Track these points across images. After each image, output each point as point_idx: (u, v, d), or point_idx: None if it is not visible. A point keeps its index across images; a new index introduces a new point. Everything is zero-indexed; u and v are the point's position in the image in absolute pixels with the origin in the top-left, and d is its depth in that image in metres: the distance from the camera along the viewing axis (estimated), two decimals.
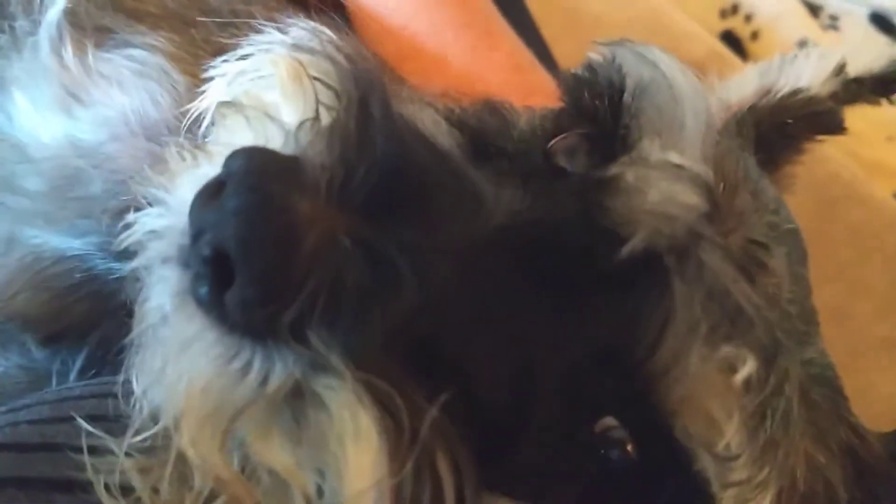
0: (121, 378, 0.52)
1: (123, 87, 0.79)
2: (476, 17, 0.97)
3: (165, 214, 0.48)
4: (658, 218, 0.49)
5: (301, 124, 0.48)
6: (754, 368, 0.47)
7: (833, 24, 1.79)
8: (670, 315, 0.48)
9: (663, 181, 0.52)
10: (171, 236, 0.47)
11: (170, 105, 0.79)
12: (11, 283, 0.78)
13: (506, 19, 1.05)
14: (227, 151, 0.46)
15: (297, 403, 0.44)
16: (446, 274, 0.45)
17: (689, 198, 0.50)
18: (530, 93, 0.92)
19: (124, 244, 0.50)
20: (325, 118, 0.49)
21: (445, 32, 0.93)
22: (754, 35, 1.74)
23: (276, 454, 0.43)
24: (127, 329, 0.73)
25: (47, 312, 0.78)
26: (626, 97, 0.57)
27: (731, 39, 1.70)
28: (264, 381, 0.43)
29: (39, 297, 0.78)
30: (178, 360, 0.44)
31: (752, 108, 0.73)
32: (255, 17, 0.84)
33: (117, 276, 0.76)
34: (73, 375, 0.76)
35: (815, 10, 1.80)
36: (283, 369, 0.43)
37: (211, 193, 0.44)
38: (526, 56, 1.00)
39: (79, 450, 0.52)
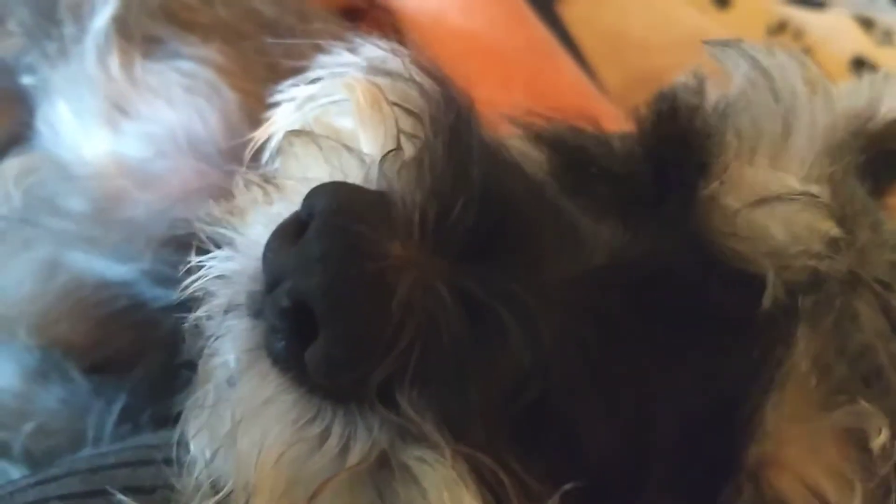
0: (164, 439, 0.48)
1: (171, 101, 0.76)
2: (536, 41, 0.96)
3: (234, 257, 0.43)
4: (793, 257, 0.43)
5: (384, 156, 0.42)
6: (888, 437, 0.41)
7: (887, 38, 1.73)
8: (786, 371, 0.42)
9: (785, 212, 0.46)
10: (240, 281, 0.42)
11: (218, 122, 0.76)
12: (54, 309, 0.75)
13: None
14: (301, 186, 0.41)
15: (381, 476, 0.38)
16: (556, 326, 0.39)
17: (825, 227, 0.44)
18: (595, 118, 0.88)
19: (189, 290, 0.45)
20: (408, 147, 0.43)
21: (508, 54, 0.90)
22: (805, 52, 1.68)
23: None
24: (172, 364, 0.70)
25: (90, 341, 0.75)
26: (702, 117, 0.52)
27: None
28: (345, 449, 0.38)
29: (82, 324, 0.75)
30: (250, 424, 0.39)
31: (857, 133, 0.66)
32: (312, 34, 0.81)
33: (163, 304, 0.72)
34: (114, 418, 0.73)
35: (868, 25, 1.73)
36: (366, 437, 0.38)
37: (289, 235, 0.39)
38: (583, 80, 0.99)
39: None
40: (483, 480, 0.37)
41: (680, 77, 0.57)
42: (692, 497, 0.44)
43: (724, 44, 0.54)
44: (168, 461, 0.49)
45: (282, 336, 0.38)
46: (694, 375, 0.43)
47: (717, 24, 1.61)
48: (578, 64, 1.09)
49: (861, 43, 1.67)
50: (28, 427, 0.72)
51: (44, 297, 0.75)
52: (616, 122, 0.91)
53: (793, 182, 0.47)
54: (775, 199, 0.46)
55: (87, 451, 0.70)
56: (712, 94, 0.54)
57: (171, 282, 0.71)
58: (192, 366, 0.50)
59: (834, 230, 0.45)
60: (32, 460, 0.72)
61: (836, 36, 1.67)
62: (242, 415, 0.39)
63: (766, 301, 0.42)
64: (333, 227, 0.37)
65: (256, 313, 0.41)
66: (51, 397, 0.75)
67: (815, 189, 0.47)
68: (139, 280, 0.73)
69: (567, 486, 0.37)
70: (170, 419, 0.67)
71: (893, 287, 0.49)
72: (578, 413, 0.40)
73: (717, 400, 0.44)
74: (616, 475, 0.41)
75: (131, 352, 0.74)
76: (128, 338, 0.74)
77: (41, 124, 0.77)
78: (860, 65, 1.62)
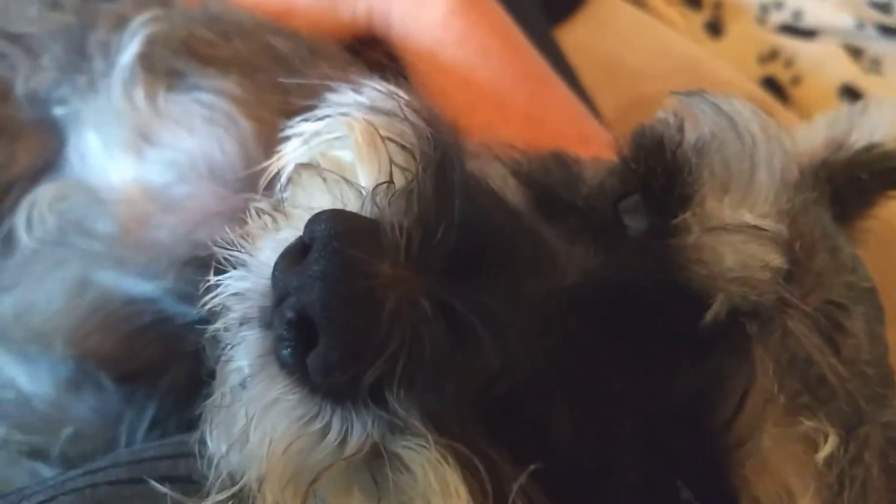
0: (195, 437, 0.53)
1: (192, 130, 0.80)
2: (531, 69, 0.99)
3: (247, 276, 0.49)
4: (737, 282, 0.49)
5: (377, 187, 0.48)
6: (836, 444, 0.46)
7: (875, 67, 1.73)
8: (751, 385, 0.48)
9: (736, 242, 0.51)
10: (252, 298, 0.48)
11: (235, 150, 0.80)
12: (84, 324, 0.80)
13: None
14: (306, 214, 0.47)
15: (375, 464, 0.44)
16: (524, 335, 0.45)
17: (770, 259, 0.49)
18: (585, 141, 0.92)
19: (208, 306, 0.51)
20: (400, 179, 0.49)
21: (504, 83, 0.94)
22: (795, 80, 1.70)
23: None
24: (196, 375, 0.75)
25: (119, 353, 0.79)
26: (683, 153, 0.57)
27: (772, 85, 1.66)
28: (343, 442, 0.44)
29: (111, 337, 0.80)
30: (261, 421, 0.45)
31: (826, 163, 0.72)
32: (321, 70, 0.86)
33: (187, 319, 0.77)
34: (145, 425, 0.77)
35: (856, 54, 1.74)
36: (361, 431, 0.44)
37: (294, 257, 0.45)
38: (578, 105, 1.02)
39: None
40: (462, 464, 0.42)
41: (660, 114, 0.63)
42: (654, 489, 0.50)
43: (690, 94, 0.60)
44: (199, 454, 0.54)
45: (287, 344, 0.44)
46: (651, 381, 0.49)
47: (711, 53, 1.63)
48: (574, 89, 1.14)
49: (850, 71, 1.68)
50: (66, 431, 0.77)
51: (74, 312, 0.79)
52: (607, 146, 0.95)
53: (748, 217, 0.53)
54: (723, 230, 0.51)
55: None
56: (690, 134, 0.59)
57: (194, 299, 0.77)
58: (213, 375, 0.56)
59: (776, 261, 0.50)
60: (68, 463, 0.76)
61: (826, 64, 1.68)
62: (254, 413, 0.45)
63: (709, 317, 0.48)
64: (331, 250, 0.43)
65: (266, 325, 0.47)
66: (83, 406, 0.79)
67: (767, 223, 0.52)
68: (164, 297, 0.78)
69: (532, 467, 0.43)
70: (195, 425, 0.73)
71: (847, 306, 0.55)
72: (544, 408, 0.46)
73: (677, 405, 0.50)
74: (583, 464, 0.47)
75: (158, 363, 0.78)
76: (154, 350, 0.78)
77: (72, 152, 0.82)
78: (848, 93, 1.64)
